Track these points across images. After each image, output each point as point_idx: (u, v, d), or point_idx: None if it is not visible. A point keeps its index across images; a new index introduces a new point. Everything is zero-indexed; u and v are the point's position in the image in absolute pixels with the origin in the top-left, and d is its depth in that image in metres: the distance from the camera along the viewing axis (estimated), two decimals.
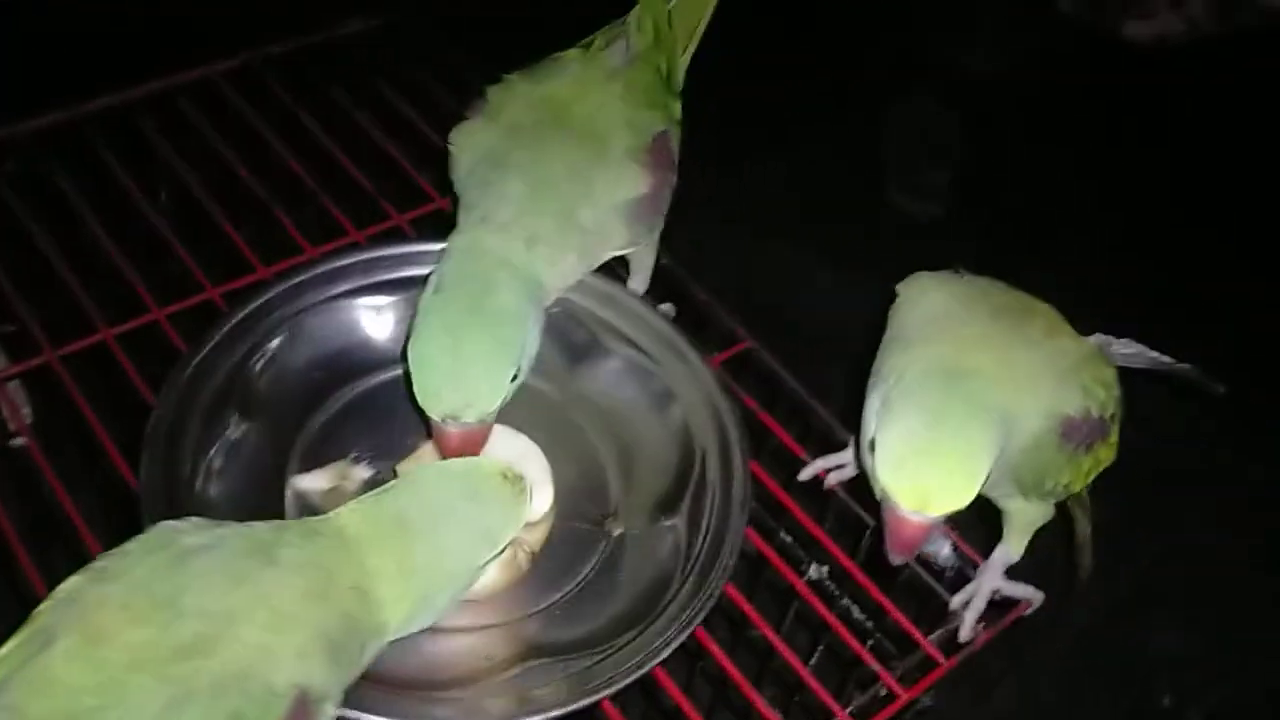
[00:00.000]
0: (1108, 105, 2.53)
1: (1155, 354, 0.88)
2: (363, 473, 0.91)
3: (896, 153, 2.38)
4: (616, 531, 0.91)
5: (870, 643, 0.93)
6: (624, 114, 0.93)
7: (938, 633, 0.90)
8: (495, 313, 0.82)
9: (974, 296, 0.84)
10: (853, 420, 0.86)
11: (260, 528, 0.67)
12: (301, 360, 0.94)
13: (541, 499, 0.86)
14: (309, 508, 0.89)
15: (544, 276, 0.87)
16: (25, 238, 1.04)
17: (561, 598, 0.87)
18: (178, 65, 1.18)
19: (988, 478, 0.73)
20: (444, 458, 0.82)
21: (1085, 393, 0.80)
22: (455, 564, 0.72)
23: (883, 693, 0.87)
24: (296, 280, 0.95)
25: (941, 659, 0.87)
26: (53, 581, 0.81)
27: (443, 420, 0.80)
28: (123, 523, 0.90)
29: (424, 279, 0.94)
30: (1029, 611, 0.92)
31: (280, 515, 0.88)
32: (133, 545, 0.65)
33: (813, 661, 0.98)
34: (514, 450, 0.88)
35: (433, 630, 0.76)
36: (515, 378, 0.82)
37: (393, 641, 0.71)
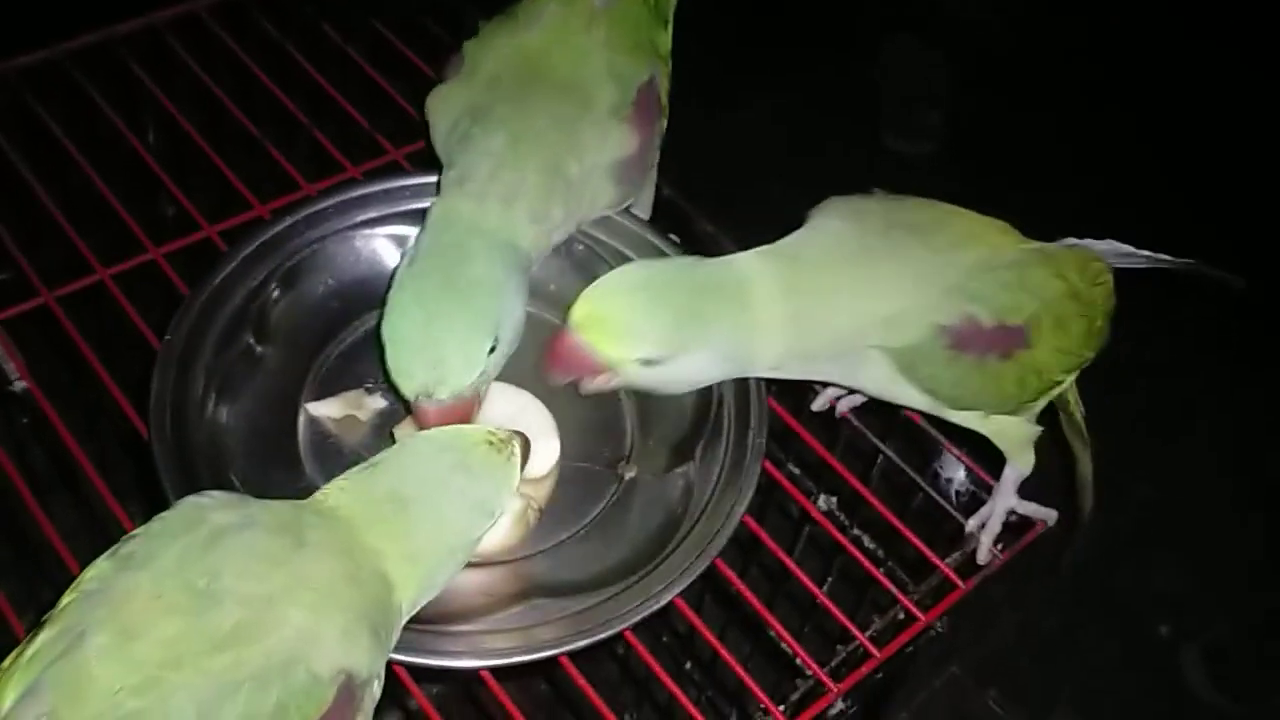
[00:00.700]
0: (1096, 45, 2.50)
1: (1147, 252, 0.87)
2: (377, 403, 0.90)
3: (887, 92, 2.36)
4: (629, 475, 0.90)
5: (883, 569, 0.92)
6: (607, 63, 0.91)
7: (954, 555, 0.89)
8: (469, 284, 0.79)
9: (874, 214, 0.83)
10: None
11: (281, 507, 0.65)
12: (319, 289, 0.93)
13: (545, 455, 0.85)
14: (321, 433, 0.89)
15: (523, 239, 0.84)
16: (15, 179, 1.02)
17: (569, 538, 0.86)
18: (163, 2, 1.15)
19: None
20: None
21: (974, 300, 0.79)
22: (454, 539, 0.70)
23: (901, 616, 0.86)
24: (315, 208, 0.94)
25: (959, 582, 0.87)
26: (59, 528, 0.81)
27: (416, 399, 0.78)
28: (128, 464, 0.90)
29: None
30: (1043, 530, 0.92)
31: (293, 439, 0.88)
32: (158, 525, 0.63)
33: (826, 587, 0.98)
34: (513, 406, 0.87)
35: None
36: (494, 350, 0.79)
37: None
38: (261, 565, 0.60)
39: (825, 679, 0.81)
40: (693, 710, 0.80)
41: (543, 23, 0.92)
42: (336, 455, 0.87)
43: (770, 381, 0.96)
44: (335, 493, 0.68)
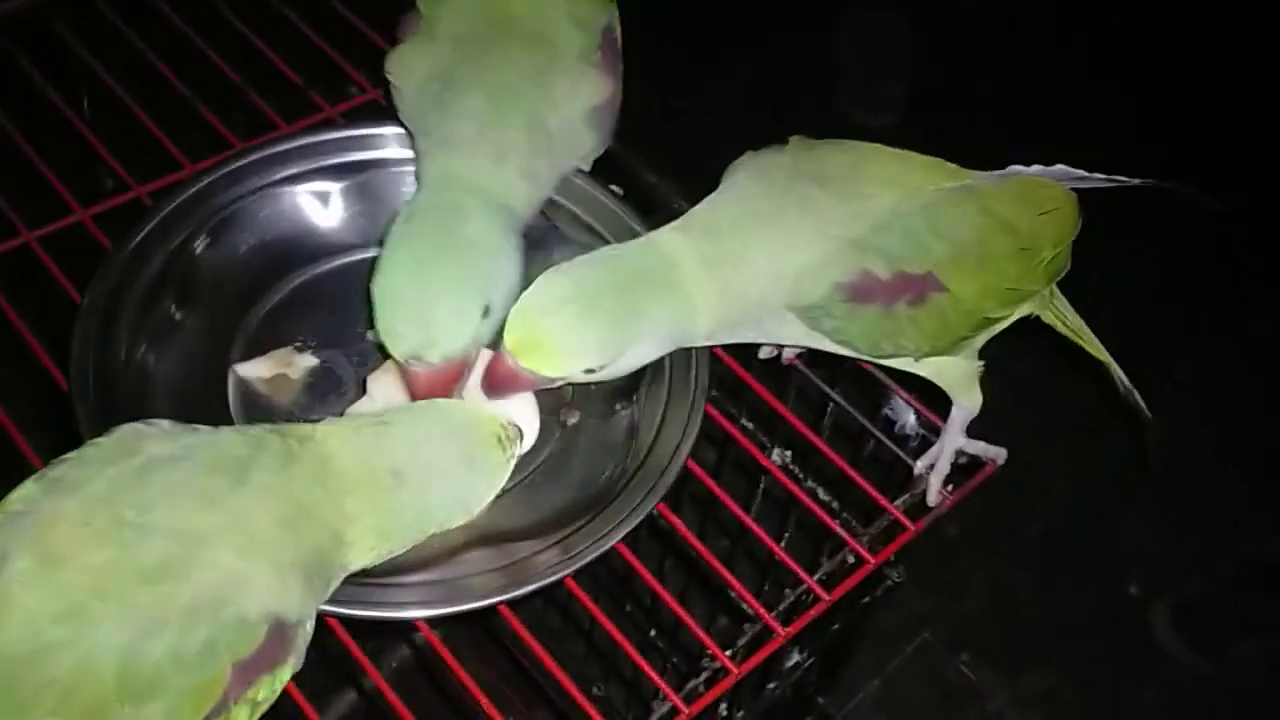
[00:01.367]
0: (1065, 11, 2.50)
1: (1101, 175, 0.84)
2: (307, 360, 0.88)
3: (852, 63, 2.35)
4: (571, 420, 0.89)
5: (840, 520, 0.90)
6: (566, 9, 0.89)
7: (903, 498, 0.88)
8: (465, 247, 0.78)
9: (783, 169, 0.81)
10: None
11: (232, 440, 0.63)
12: (243, 247, 0.91)
13: (527, 438, 0.84)
14: (251, 393, 0.87)
15: (517, 198, 0.83)
16: None
17: (513, 486, 0.84)
18: None
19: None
20: (414, 399, 0.78)
21: (869, 252, 0.77)
22: (430, 526, 0.70)
23: (851, 559, 0.85)
24: (235, 166, 0.91)
25: (908, 523, 0.86)
26: None
27: (406, 361, 0.76)
28: (54, 423, 0.87)
29: (371, 163, 0.89)
30: (993, 470, 0.90)
31: (223, 401, 0.86)
32: (92, 451, 0.61)
33: (784, 542, 0.97)
34: None
35: None
36: (487, 314, 0.78)
37: None
38: (194, 502, 0.59)
39: (772, 622, 0.80)
40: (637, 657, 0.78)
41: None
42: (268, 415, 0.85)
43: None
44: (335, 438, 0.66)
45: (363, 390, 0.85)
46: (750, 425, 1.00)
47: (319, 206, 0.93)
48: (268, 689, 0.59)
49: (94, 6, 1.11)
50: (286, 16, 1.15)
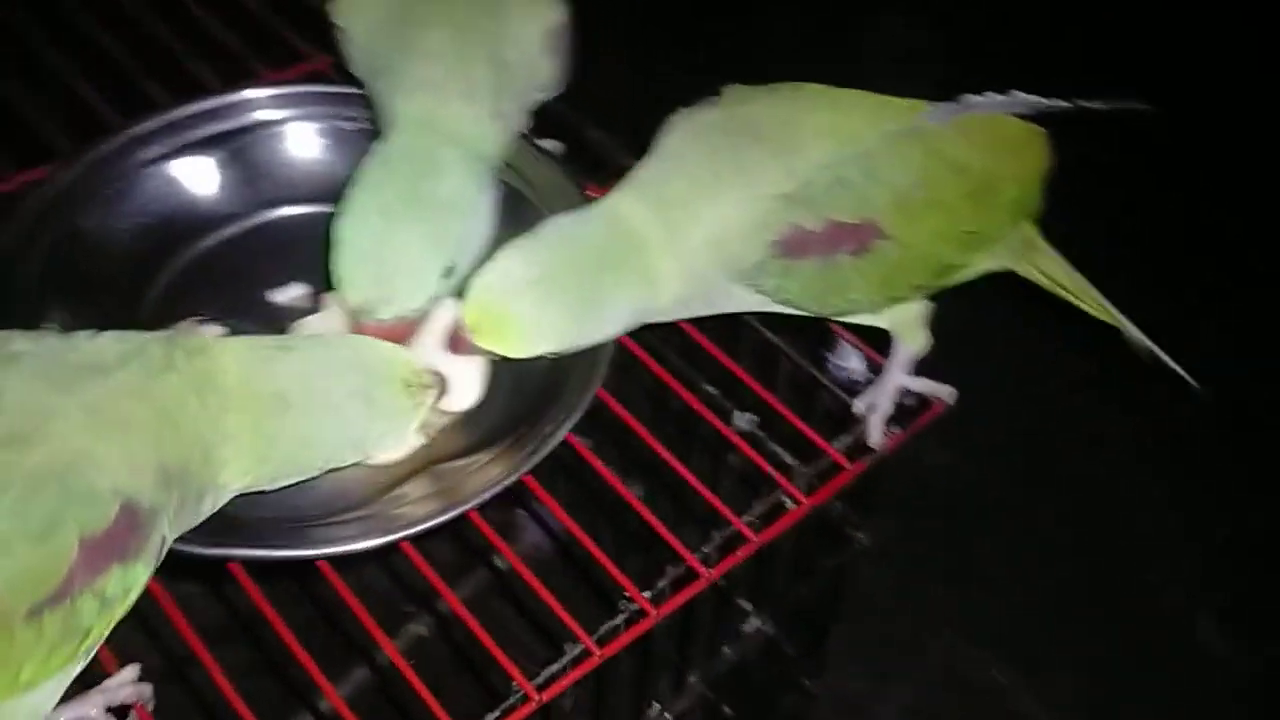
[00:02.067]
0: (1058, 6, 2.46)
1: (1036, 97, 0.81)
2: (213, 331, 0.84)
3: (838, 49, 2.33)
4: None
5: (773, 462, 0.86)
6: None
7: (843, 438, 0.83)
8: (436, 203, 0.76)
9: (717, 128, 0.78)
10: None
11: (107, 345, 0.61)
12: (125, 233, 0.88)
13: (466, 397, 0.81)
14: None
15: (490, 142, 0.81)
16: None
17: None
18: None
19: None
20: None
21: (797, 206, 0.74)
22: (313, 460, 0.67)
23: (789, 504, 0.80)
24: (100, 153, 0.88)
25: (846, 463, 0.81)
26: None
27: (357, 312, 0.74)
28: None
29: (239, 131, 0.89)
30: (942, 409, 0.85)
31: None
32: None
33: (721, 489, 0.92)
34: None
35: None
36: (450, 274, 0.75)
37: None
38: (48, 388, 0.57)
39: (695, 563, 0.75)
40: (553, 603, 0.73)
41: None
42: None
43: None
44: (228, 355, 0.64)
45: None
46: (714, 391, 0.95)
47: (196, 179, 0.91)
48: (118, 583, 0.56)
49: None
50: None
